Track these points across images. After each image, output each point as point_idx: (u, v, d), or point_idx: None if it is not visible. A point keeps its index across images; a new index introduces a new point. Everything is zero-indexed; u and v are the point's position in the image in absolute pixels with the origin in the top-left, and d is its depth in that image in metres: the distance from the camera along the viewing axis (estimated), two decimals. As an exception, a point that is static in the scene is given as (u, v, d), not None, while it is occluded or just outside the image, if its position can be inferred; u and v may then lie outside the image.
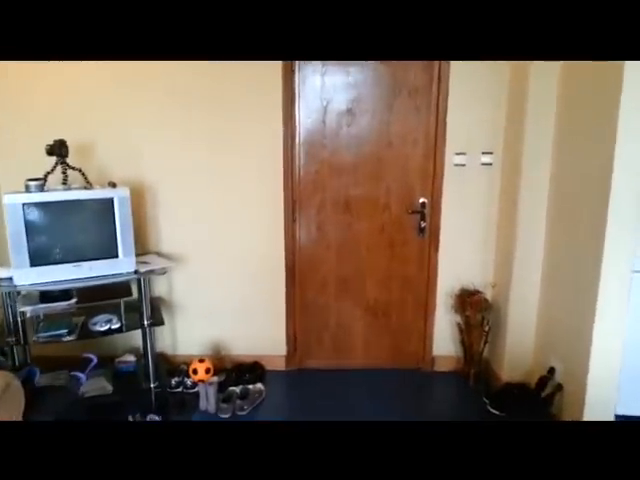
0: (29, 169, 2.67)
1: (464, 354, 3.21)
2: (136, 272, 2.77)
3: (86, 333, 2.72)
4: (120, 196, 2.68)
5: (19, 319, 2.64)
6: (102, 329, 2.73)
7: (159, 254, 3.18)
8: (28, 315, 2.58)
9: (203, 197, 3.16)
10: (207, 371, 2.92)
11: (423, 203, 3.13)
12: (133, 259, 2.76)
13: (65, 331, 2.66)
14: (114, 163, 3.12)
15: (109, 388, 2.90)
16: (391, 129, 3.05)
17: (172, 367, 3.30)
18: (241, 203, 3.15)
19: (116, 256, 2.72)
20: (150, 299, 3.18)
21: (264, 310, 3.30)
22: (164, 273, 2.87)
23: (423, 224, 3.15)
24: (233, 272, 3.25)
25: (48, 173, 2.69)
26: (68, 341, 2.63)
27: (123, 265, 2.74)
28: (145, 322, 2.84)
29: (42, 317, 2.72)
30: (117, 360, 3.13)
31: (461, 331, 3.17)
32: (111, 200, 2.67)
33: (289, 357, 3.36)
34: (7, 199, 2.47)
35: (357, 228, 3.17)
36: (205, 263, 3.24)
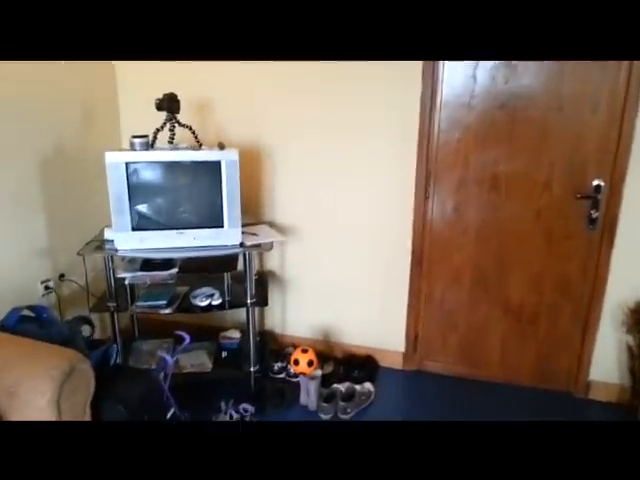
0: (150, 125, 2.47)
1: (632, 384, 2.50)
2: (241, 245, 2.48)
3: (186, 307, 2.51)
4: (228, 159, 2.37)
5: (122, 284, 2.50)
6: (202, 304, 2.50)
7: (272, 224, 2.87)
8: (127, 282, 2.42)
9: (324, 166, 2.75)
10: (310, 363, 2.58)
11: (598, 186, 2.41)
12: (239, 230, 2.46)
13: (164, 302, 2.46)
14: (231, 124, 2.83)
15: (208, 365, 2.70)
16: (563, 88, 2.35)
17: (279, 348, 3.03)
18: (366, 173, 2.69)
19: (221, 226, 2.44)
20: (259, 273, 2.92)
21: (383, 298, 2.86)
22: (270, 249, 2.54)
23: (595, 213, 2.43)
24: (351, 251, 2.83)
25: (158, 130, 2.46)
26: (165, 315, 2.44)
27: (228, 236, 2.46)
28: (248, 301, 2.56)
29: (147, 284, 2.56)
30: (222, 334, 2.92)
31: (632, 356, 2.45)
32: (218, 163, 2.37)
33: (407, 356, 2.90)
34: (109, 157, 2.29)
35: (505, 211, 2.55)
36: (322, 238, 2.87)
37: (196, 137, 2.52)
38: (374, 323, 2.91)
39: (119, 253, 2.38)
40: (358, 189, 2.72)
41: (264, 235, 2.63)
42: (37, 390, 1.57)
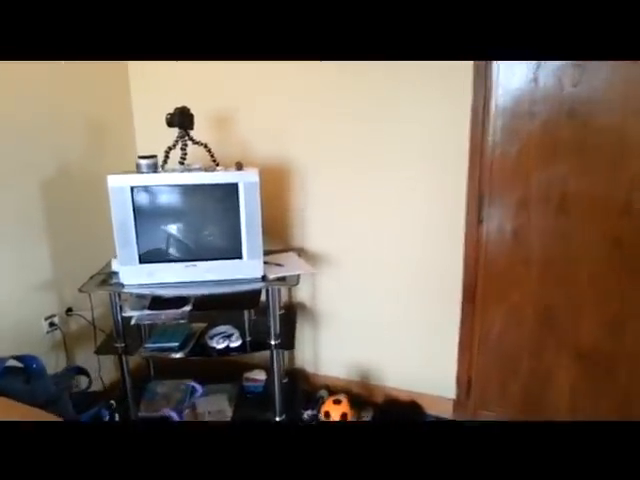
0: (166, 142, 2.20)
1: None
2: (264, 279, 2.16)
3: (200, 350, 2.20)
4: (246, 181, 2.06)
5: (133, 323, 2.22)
6: (219, 346, 2.19)
7: (302, 252, 2.54)
8: (133, 322, 2.14)
9: (361, 186, 2.40)
10: (343, 417, 2.22)
11: (694, 207, 1.97)
12: (260, 262, 2.14)
13: (176, 344, 2.16)
14: (255, 139, 2.53)
15: (228, 413, 2.39)
16: (648, 89, 1.93)
17: (310, 389, 2.69)
18: (408, 196, 2.32)
19: (239, 257, 2.13)
20: (287, 307, 2.59)
21: (430, 337, 2.47)
22: (296, 284, 2.20)
23: (692, 241, 1.99)
24: (393, 283, 2.47)
25: (169, 149, 2.19)
26: (178, 358, 2.14)
27: (248, 269, 2.14)
28: (272, 342, 2.23)
29: (160, 323, 2.27)
30: (246, 375, 2.60)
31: None
32: (235, 186, 2.06)
33: (459, 403, 2.49)
34: (112, 181, 2.02)
35: (576, 238, 2.13)
36: (360, 268, 2.51)
37: (212, 155, 2.23)
38: (419, 365, 2.52)
39: (125, 289, 2.10)
40: (399, 213, 2.36)
41: (291, 266, 2.30)
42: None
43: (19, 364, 1.75)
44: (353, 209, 2.44)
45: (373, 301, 2.52)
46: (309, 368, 2.78)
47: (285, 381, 2.66)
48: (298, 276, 2.21)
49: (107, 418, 1.71)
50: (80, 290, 2.08)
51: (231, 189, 2.07)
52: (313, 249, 2.58)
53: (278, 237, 2.61)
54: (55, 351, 2.37)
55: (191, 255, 2.13)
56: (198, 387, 2.02)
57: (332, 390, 2.66)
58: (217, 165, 2.19)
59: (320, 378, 2.75)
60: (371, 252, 2.46)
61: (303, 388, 2.72)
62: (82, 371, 1.87)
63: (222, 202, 2.10)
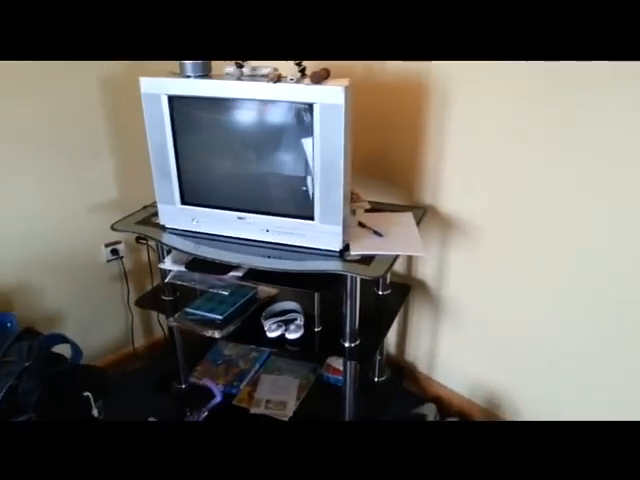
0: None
1: None
2: (341, 255, 1.43)
3: (247, 331, 1.61)
4: (325, 102, 1.29)
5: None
6: (271, 335, 1.57)
7: (428, 213, 1.73)
8: (167, 280, 1.62)
9: (537, 130, 1.45)
10: None
11: None
12: (339, 229, 1.41)
13: (219, 317, 1.60)
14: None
15: (290, 407, 1.81)
16: None
17: (418, 396, 1.98)
18: (613, 157, 1.31)
19: (309, 217, 1.43)
20: (395, 283, 1.84)
21: (619, 370, 1.51)
22: (385, 272, 1.42)
23: None
24: (562, 284, 1.52)
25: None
26: (213, 337, 1.58)
27: (319, 236, 1.44)
28: (346, 343, 1.54)
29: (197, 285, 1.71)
30: (328, 361, 1.97)
31: None
32: (307, 108, 1.31)
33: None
34: (145, 85, 1.43)
35: None
36: (516, 252, 1.58)
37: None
38: (602, 412, 1.60)
39: (164, 238, 1.57)
40: (596, 181, 1.37)
41: (394, 238, 1.51)
42: None
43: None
44: (521, 163, 1.50)
45: (526, 303, 1.62)
46: (421, 367, 2.04)
47: (383, 378, 1.99)
48: (393, 258, 1.43)
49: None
50: (112, 227, 1.62)
51: (301, 113, 1.33)
52: (448, 210, 1.73)
53: (396, 186, 1.82)
54: (114, 284, 2.04)
55: (245, 204, 1.48)
56: (218, 393, 1.46)
57: (443, 405, 1.91)
58: (302, 71, 1.44)
59: (432, 385, 1.99)
60: (539, 233, 1.52)
61: (408, 389, 2.02)
62: (62, 339, 1.44)
63: (289, 131, 1.38)
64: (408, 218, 1.64)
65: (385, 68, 1.70)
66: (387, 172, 1.83)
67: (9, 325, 1.39)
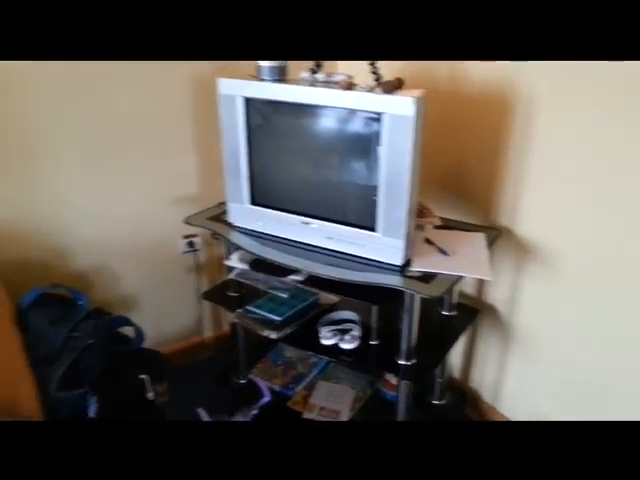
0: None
1: None
2: (401, 270, 1.39)
3: (303, 336, 1.61)
4: (394, 113, 1.25)
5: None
6: (326, 342, 1.56)
7: (503, 235, 1.63)
8: (231, 276, 1.65)
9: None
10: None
11: None
12: (401, 243, 1.37)
13: (277, 319, 1.61)
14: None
15: (342, 418, 1.79)
16: None
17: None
18: None
19: (371, 228, 1.40)
20: (462, 305, 1.76)
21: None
22: (446, 291, 1.34)
23: None
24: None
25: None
26: (270, 337, 1.59)
27: (381, 248, 1.40)
28: (401, 361, 1.48)
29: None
30: (386, 377, 1.92)
31: None
32: (376, 118, 1.28)
33: None
34: (224, 86, 1.47)
35: None
36: (603, 284, 1.46)
37: (372, 63, 1.44)
38: None
39: (231, 236, 1.61)
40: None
41: (460, 258, 1.44)
42: None
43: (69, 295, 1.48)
44: (612, 188, 1.36)
45: (616, 346, 1.45)
46: (485, 395, 1.92)
47: (443, 402, 1.90)
48: (456, 279, 1.36)
49: (91, 409, 1.29)
50: (185, 221, 1.69)
51: (370, 122, 1.30)
52: (525, 234, 1.61)
53: (471, 203, 1.73)
54: (188, 275, 2.12)
55: (310, 209, 1.48)
56: (266, 392, 1.46)
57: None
58: (377, 80, 1.41)
59: (495, 415, 1.86)
60: (635, 266, 1.38)
61: (469, 417, 1.92)
62: (126, 322, 1.52)
63: (357, 140, 1.35)
64: (479, 239, 1.55)
65: (469, 78, 1.63)
66: (463, 188, 1.75)
67: (81, 303, 1.49)
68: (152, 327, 1.98)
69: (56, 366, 1.25)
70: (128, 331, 1.60)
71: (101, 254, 1.89)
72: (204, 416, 1.35)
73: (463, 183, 1.74)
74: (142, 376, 1.41)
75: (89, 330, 1.35)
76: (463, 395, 1.96)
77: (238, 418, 1.42)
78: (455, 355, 1.98)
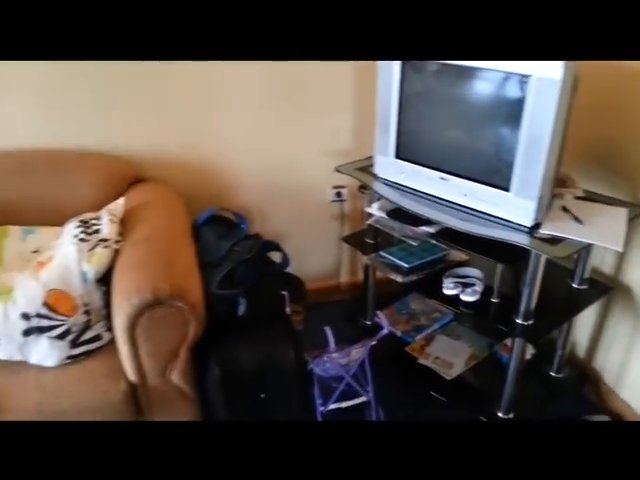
0: None
1: None
2: (530, 231, 1.45)
3: (426, 284, 1.73)
4: (542, 76, 1.30)
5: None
6: (447, 292, 1.67)
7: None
8: (369, 222, 1.81)
9: None
10: None
11: None
12: (533, 205, 1.42)
13: (405, 266, 1.76)
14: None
15: (455, 369, 1.89)
16: None
17: (594, 405, 1.86)
18: None
19: (505, 188, 1.47)
20: (595, 281, 1.75)
21: None
22: (571, 254, 1.36)
23: None
24: None
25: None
26: (396, 280, 1.74)
27: (512, 209, 1.47)
28: (518, 320, 1.55)
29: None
30: (505, 342, 1.97)
31: None
32: (523, 80, 1.34)
33: None
34: (383, 50, 1.61)
35: None
36: None
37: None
38: None
39: (376, 186, 1.77)
40: None
41: (592, 228, 1.45)
42: (116, 312, 1.37)
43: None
44: None
45: None
46: (607, 378, 1.88)
47: (561, 375, 1.91)
48: (586, 247, 1.38)
49: (240, 308, 1.55)
50: (336, 169, 1.89)
51: (517, 84, 1.36)
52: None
53: (619, 178, 1.68)
54: (333, 222, 2.34)
55: (449, 166, 1.59)
56: (330, 337, 1.57)
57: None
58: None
59: (615, 400, 1.83)
60: None
61: (585, 396, 1.90)
62: (277, 248, 1.76)
63: (501, 101, 1.42)
64: (619, 213, 1.54)
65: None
66: (612, 163, 1.71)
67: (243, 227, 1.78)
68: (294, 264, 2.24)
69: (218, 270, 1.54)
70: (276, 257, 1.86)
71: (260, 193, 2.19)
72: (330, 334, 1.54)
73: (613, 158, 1.71)
74: (283, 292, 1.65)
75: (247, 247, 1.63)
76: (584, 374, 1.95)
77: (358, 347, 1.60)
78: (582, 334, 1.96)
